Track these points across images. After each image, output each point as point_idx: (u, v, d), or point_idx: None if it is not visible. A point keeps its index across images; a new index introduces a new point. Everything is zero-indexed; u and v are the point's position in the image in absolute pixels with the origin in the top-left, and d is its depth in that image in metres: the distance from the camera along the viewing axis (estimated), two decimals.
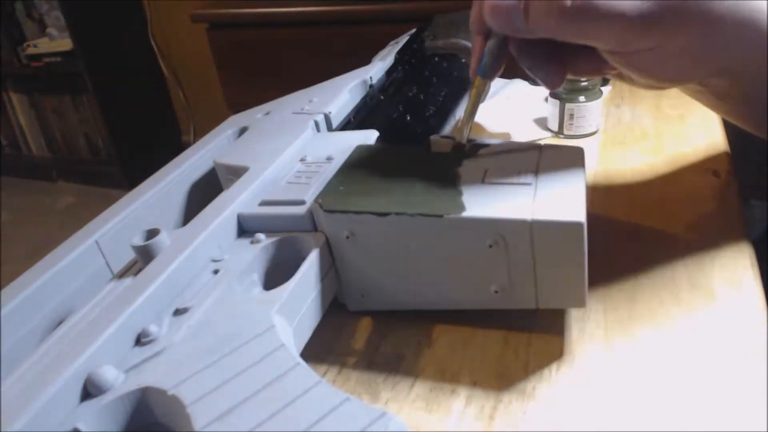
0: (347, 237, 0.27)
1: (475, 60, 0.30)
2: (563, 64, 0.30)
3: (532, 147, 0.29)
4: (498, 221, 0.25)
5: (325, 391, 0.18)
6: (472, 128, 0.31)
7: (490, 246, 0.25)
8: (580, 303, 0.26)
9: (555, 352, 0.27)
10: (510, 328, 0.29)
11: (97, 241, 0.29)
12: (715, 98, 0.35)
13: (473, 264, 0.26)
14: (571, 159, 0.28)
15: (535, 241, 0.24)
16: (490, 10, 0.27)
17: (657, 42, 0.27)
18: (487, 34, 0.29)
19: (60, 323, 0.23)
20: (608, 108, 0.53)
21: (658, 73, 0.30)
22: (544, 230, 0.24)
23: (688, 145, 0.44)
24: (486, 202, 0.25)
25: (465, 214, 0.25)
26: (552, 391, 0.25)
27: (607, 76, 0.34)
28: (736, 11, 0.27)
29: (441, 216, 0.25)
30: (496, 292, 0.27)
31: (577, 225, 0.24)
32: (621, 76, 0.33)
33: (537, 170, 0.27)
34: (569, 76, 0.33)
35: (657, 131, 0.47)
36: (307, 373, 0.19)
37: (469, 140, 0.31)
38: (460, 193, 0.26)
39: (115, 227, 0.30)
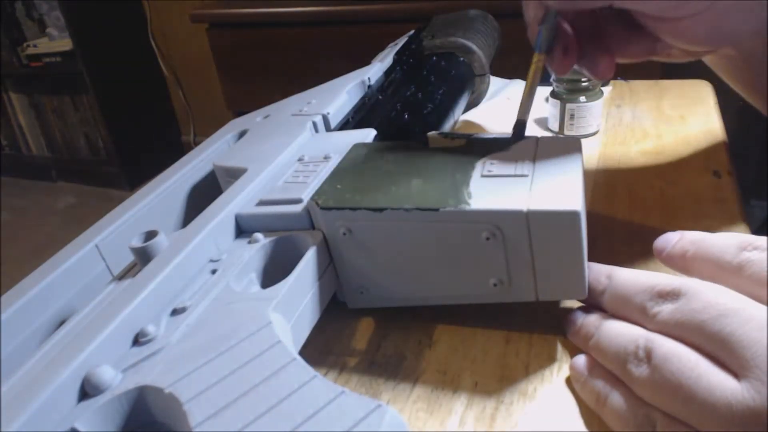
0: (344, 234, 0.27)
1: (533, 36, 0.32)
2: (610, 53, 0.32)
3: (529, 140, 0.29)
4: (494, 212, 0.24)
5: (320, 385, 0.18)
6: (531, 106, 0.32)
7: (487, 238, 0.25)
8: (581, 294, 0.26)
9: (556, 353, 0.27)
10: (511, 328, 0.29)
11: (97, 245, 0.29)
12: (743, 64, 0.36)
13: (471, 257, 0.26)
14: (568, 150, 0.28)
15: (532, 232, 0.24)
16: None
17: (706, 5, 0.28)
18: (544, 11, 0.31)
19: (60, 326, 0.23)
20: (609, 108, 0.53)
21: (708, 35, 0.30)
22: (540, 220, 0.24)
23: (688, 145, 0.44)
24: (482, 195, 0.25)
25: (461, 206, 0.25)
26: (553, 392, 0.25)
27: (656, 58, 0.35)
28: None
29: (437, 209, 0.25)
30: (495, 285, 0.26)
31: (572, 214, 0.23)
32: (670, 55, 0.34)
33: (534, 162, 0.27)
34: (576, 71, 0.34)
35: (657, 131, 0.47)
36: (303, 368, 0.19)
37: (519, 124, 0.31)
38: (456, 187, 0.26)
39: (114, 231, 0.30)
